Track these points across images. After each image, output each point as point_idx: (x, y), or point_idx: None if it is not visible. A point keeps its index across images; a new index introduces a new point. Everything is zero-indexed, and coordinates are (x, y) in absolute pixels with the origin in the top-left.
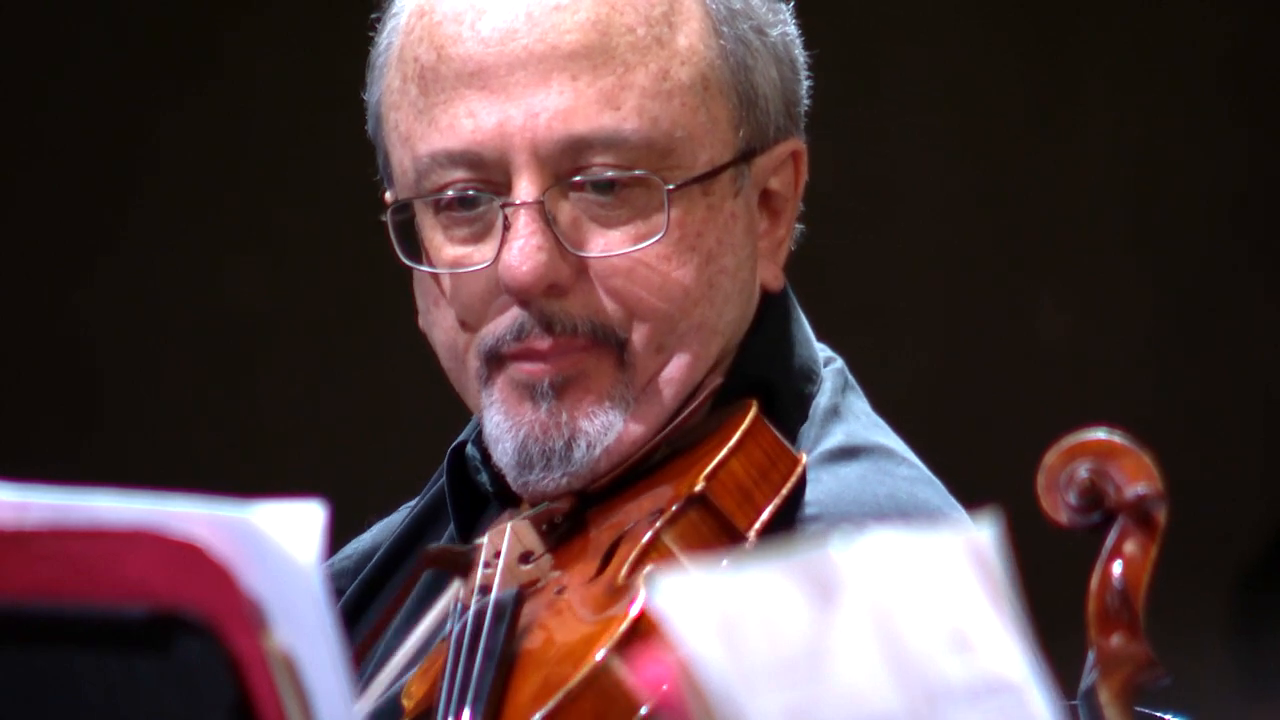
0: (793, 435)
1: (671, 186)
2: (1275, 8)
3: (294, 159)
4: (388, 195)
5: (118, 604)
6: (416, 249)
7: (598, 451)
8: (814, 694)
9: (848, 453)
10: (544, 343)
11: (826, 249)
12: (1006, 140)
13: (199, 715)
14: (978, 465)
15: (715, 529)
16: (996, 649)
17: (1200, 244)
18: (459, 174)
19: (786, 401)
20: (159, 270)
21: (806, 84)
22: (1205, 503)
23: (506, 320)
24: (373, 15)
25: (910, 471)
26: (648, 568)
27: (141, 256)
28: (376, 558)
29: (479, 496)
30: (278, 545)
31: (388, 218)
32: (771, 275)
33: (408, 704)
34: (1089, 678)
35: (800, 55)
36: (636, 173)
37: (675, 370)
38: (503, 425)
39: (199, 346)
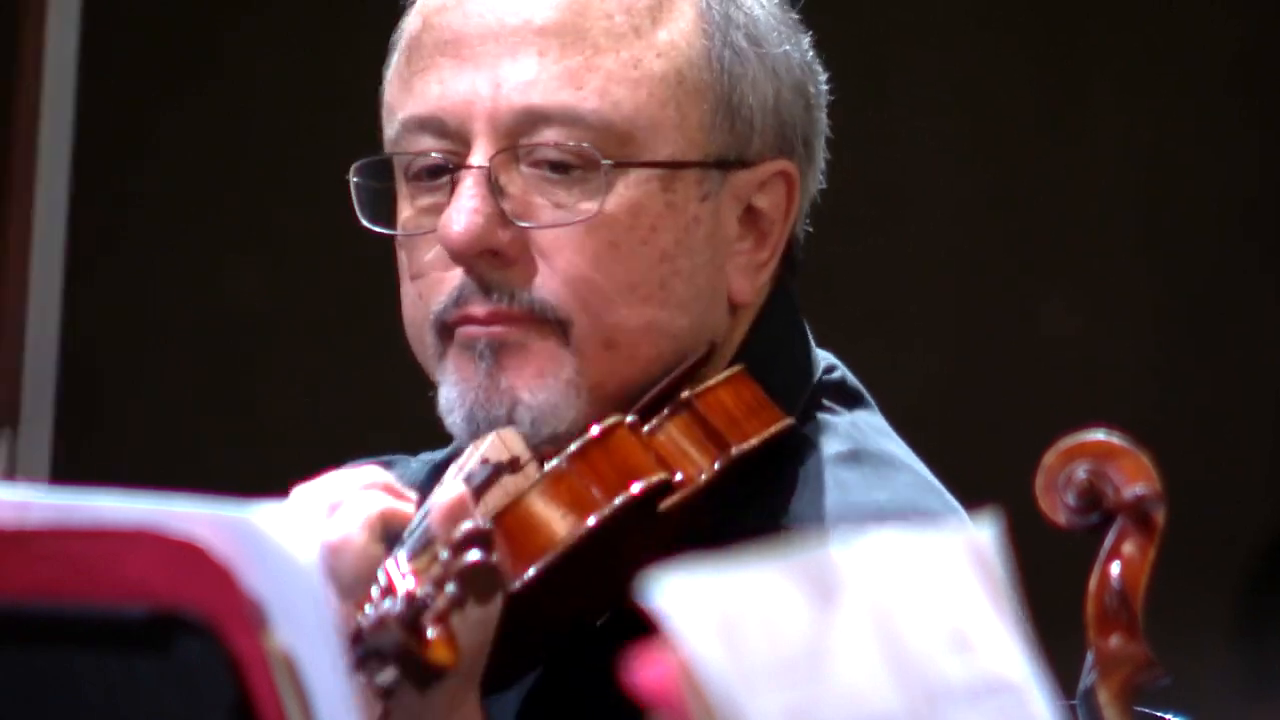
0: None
1: (610, 163)
2: None
3: (294, 159)
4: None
5: (118, 604)
6: (384, 216)
7: (544, 432)
8: (814, 694)
9: (848, 458)
10: (482, 309)
11: (836, 253)
12: (1016, 144)
13: (199, 715)
14: (987, 467)
15: (702, 436)
16: (996, 649)
17: (1210, 247)
18: (427, 141)
19: (775, 367)
20: (159, 270)
21: (819, 116)
22: (1212, 504)
23: (449, 284)
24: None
25: (911, 478)
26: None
27: (141, 257)
28: None
29: None
30: (278, 545)
31: (352, 177)
32: (739, 288)
33: None
34: (1088, 678)
35: (814, 87)
36: (583, 145)
37: (627, 368)
38: (452, 396)
39: (199, 346)
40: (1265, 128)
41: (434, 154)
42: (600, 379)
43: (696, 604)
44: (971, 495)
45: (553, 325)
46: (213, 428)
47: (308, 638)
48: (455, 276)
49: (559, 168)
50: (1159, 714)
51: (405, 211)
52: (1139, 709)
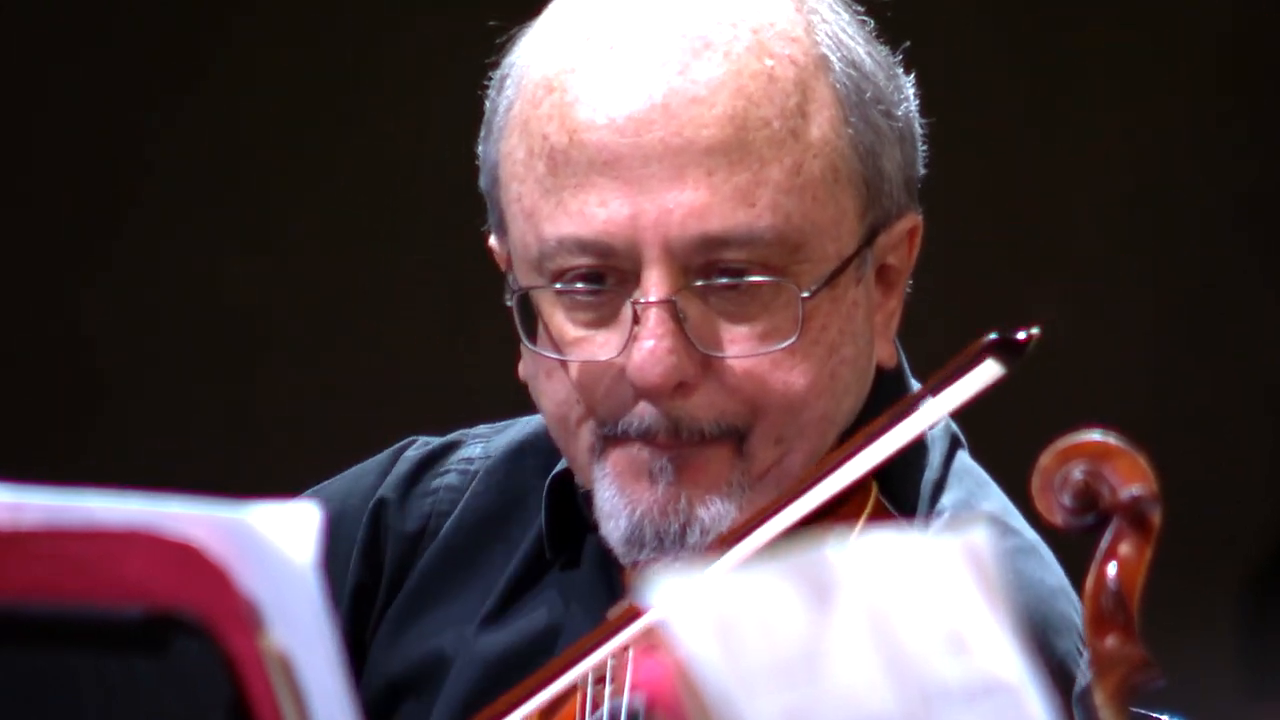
0: (908, 512)
1: (807, 294)
2: (1276, 2)
3: (294, 159)
4: (493, 241)
5: (114, 605)
6: (533, 324)
7: (710, 538)
8: (811, 695)
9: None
10: (668, 440)
11: None
12: (1009, 141)
13: (195, 715)
14: (986, 466)
15: None
16: (992, 650)
17: (1205, 246)
18: (586, 260)
19: (898, 477)
20: (159, 270)
21: (923, 151)
22: (1210, 505)
23: (632, 417)
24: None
25: (1016, 541)
26: None
27: (142, 256)
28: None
29: (572, 517)
30: (274, 546)
31: (513, 302)
32: (886, 353)
33: None
34: (1084, 678)
35: (919, 128)
36: (770, 279)
37: (791, 463)
38: (617, 502)
39: (199, 346)
40: (1261, 124)
41: (590, 274)
42: (764, 471)
43: (695, 606)
44: None
45: (732, 439)
46: (212, 427)
47: (303, 638)
48: (634, 401)
49: (737, 287)
50: (1156, 715)
51: (556, 318)
52: (1136, 710)
